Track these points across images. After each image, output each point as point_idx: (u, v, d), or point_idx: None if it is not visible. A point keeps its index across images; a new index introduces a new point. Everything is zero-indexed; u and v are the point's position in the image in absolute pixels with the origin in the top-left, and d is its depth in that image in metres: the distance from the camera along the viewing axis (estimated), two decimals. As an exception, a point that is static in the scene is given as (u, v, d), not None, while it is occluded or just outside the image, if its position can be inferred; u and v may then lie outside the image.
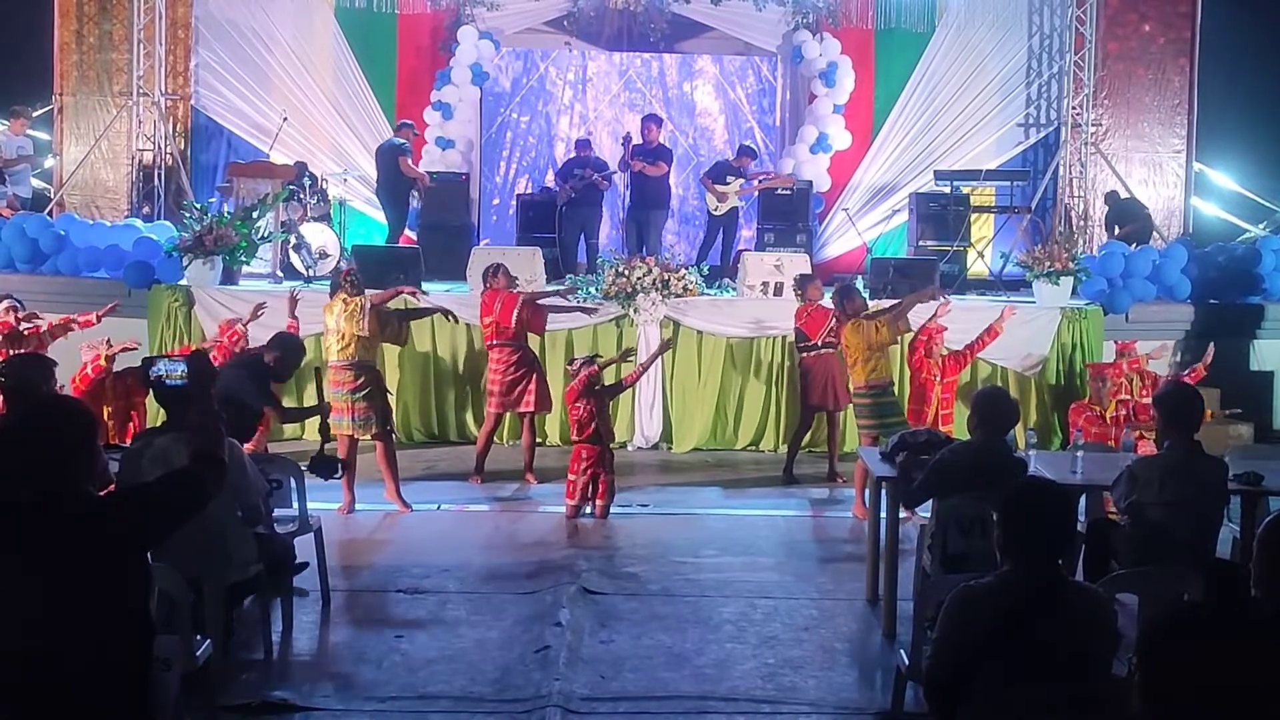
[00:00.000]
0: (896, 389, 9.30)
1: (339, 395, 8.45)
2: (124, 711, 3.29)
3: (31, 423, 3.39)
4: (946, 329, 9.76)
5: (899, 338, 9.09)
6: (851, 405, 9.08)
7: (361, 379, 8.41)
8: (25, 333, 9.18)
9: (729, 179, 13.01)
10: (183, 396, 5.41)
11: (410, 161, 12.80)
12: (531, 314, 9.37)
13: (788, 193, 13.30)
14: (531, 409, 9.42)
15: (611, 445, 8.73)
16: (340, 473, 7.53)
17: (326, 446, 7.49)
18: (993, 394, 6.24)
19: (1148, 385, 9.46)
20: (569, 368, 8.86)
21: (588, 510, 8.49)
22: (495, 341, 9.34)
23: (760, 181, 13.41)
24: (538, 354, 9.73)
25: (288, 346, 7.72)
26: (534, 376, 9.36)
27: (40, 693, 3.16)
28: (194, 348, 9.48)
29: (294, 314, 9.27)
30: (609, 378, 8.92)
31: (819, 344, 9.45)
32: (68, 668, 3.17)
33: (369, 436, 8.49)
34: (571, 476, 8.52)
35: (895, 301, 9.35)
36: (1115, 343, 10.19)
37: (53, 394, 6.12)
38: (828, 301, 9.48)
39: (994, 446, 5.85)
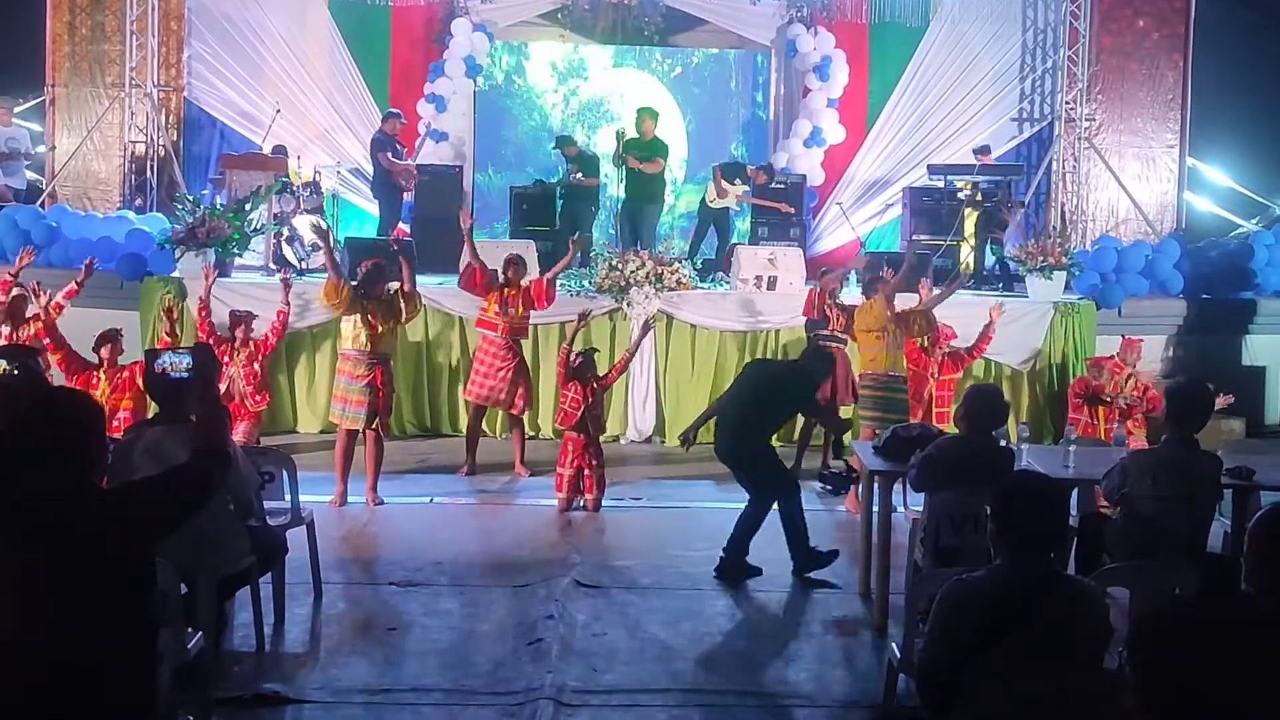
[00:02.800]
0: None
1: (346, 385, 8.43)
2: (130, 706, 3.28)
3: (42, 415, 3.37)
4: (955, 335, 9.77)
5: (902, 327, 8.99)
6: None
7: (369, 372, 8.38)
8: (30, 318, 9.16)
9: (736, 181, 12.98)
10: (180, 390, 5.40)
11: (389, 155, 12.77)
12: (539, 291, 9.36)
13: (782, 186, 13.24)
14: (520, 410, 9.42)
15: (600, 437, 8.73)
16: (848, 488, 7.60)
17: (836, 462, 7.61)
18: (985, 392, 6.25)
19: (1139, 389, 9.44)
20: (570, 358, 8.84)
21: (580, 503, 8.49)
22: (495, 333, 9.30)
23: (758, 195, 13.23)
24: (531, 349, 9.72)
25: (822, 355, 7.72)
26: (525, 375, 9.34)
27: (47, 686, 3.16)
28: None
29: (287, 300, 9.67)
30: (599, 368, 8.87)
31: (828, 335, 9.50)
32: (73, 662, 3.16)
33: (362, 429, 8.47)
34: (559, 469, 8.53)
35: (937, 293, 9.35)
36: (1122, 337, 9.96)
37: (61, 386, 6.12)
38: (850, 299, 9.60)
39: (981, 441, 5.87)
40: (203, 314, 9.53)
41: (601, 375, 8.72)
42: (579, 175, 12.76)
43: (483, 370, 9.28)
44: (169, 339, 9.28)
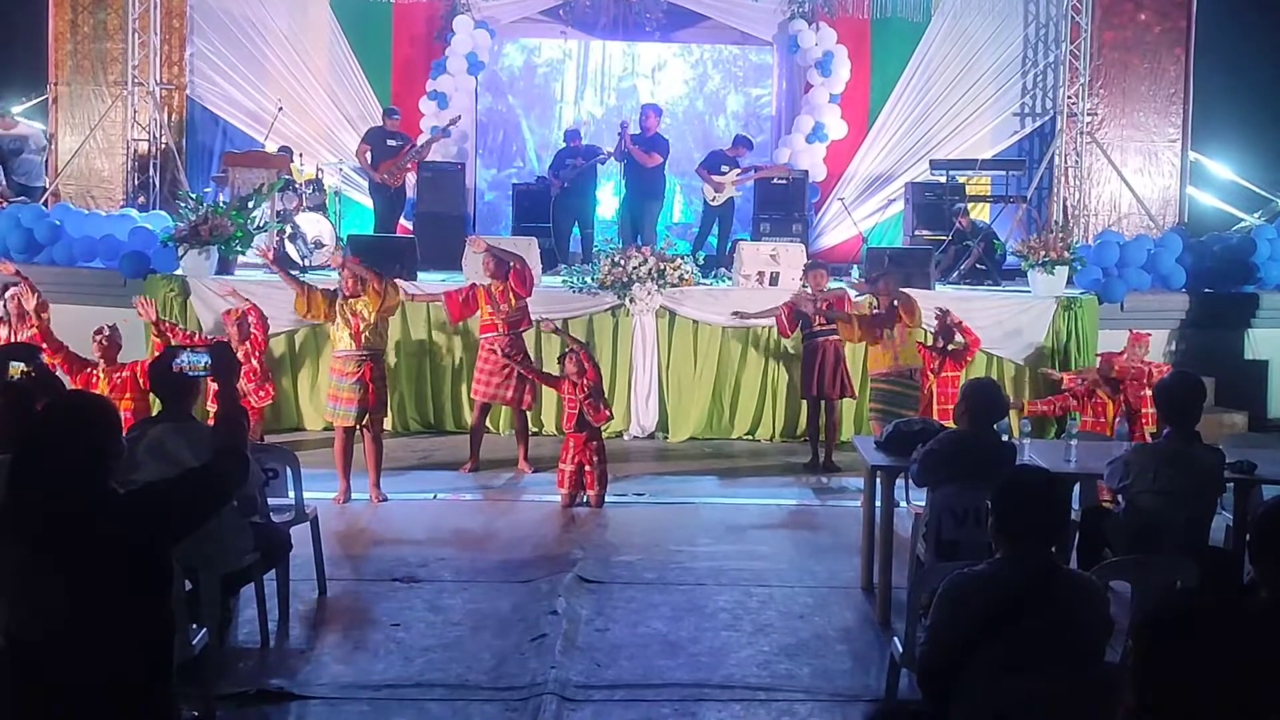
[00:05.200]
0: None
1: (337, 383, 8.45)
2: (147, 705, 3.30)
3: (60, 419, 3.39)
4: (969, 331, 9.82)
5: (887, 325, 9.11)
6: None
7: (358, 368, 8.40)
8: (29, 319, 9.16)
9: (724, 169, 13.00)
10: (187, 388, 5.42)
11: (367, 156, 12.77)
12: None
13: (784, 182, 13.29)
14: (529, 405, 9.45)
15: (603, 429, 8.76)
16: None
17: None
18: (982, 385, 6.26)
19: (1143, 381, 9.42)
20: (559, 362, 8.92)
21: (583, 499, 8.51)
22: (495, 333, 9.33)
23: (756, 171, 13.40)
24: (533, 346, 9.74)
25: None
26: (530, 369, 9.37)
27: (66, 684, 3.18)
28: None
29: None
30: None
31: (816, 330, 9.60)
32: (92, 660, 3.19)
33: (354, 426, 8.48)
34: (561, 466, 8.56)
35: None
36: (1130, 331, 9.91)
37: (77, 390, 6.11)
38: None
39: (982, 435, 5.87)
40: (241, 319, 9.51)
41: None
42: (584, 164, 12.77)
43: (487, 369, 9.29)
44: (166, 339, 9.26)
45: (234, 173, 11.96)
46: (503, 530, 8.05)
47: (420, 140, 13.45)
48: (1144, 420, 8.89)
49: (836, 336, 9.64)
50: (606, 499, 8.54)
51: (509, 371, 9.20)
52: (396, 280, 9.00)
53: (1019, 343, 10.96)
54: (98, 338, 8.74)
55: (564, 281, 11.06)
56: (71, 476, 3.27)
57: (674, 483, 9.41)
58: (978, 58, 14.61)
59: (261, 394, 9.59)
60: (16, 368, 4.93)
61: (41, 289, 9.56)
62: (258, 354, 9.58)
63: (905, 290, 9.37)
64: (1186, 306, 11.87)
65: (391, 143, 12.90)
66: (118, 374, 8.70)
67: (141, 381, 8.65)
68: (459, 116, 13.77)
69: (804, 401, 10.18)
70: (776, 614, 6.43)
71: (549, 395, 10.04)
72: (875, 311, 9.23)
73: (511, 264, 9.29)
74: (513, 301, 9.29)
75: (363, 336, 8.41)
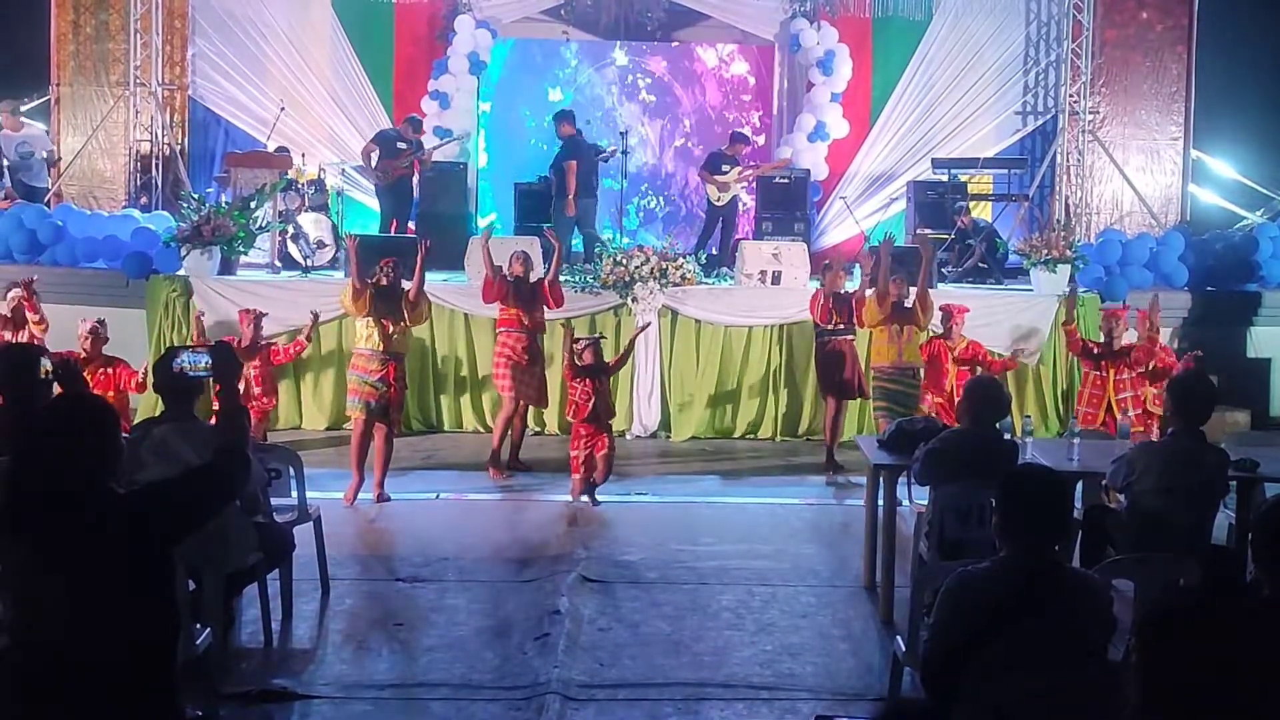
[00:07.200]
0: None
1: (359, 379, 8.45)
2: (151, 704, 3.30)
3: (63, 420, 3.39)
4: (968, 309, 9.79)
5: (905, 320, 9.11)
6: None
7: (382, 367, 8.40)
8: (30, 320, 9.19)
9: (725, 168, 13.00)
10: (189, 388, 5.43)
11: (371, 157, 12.74)
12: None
13: (786, 181, 13.28)
14: (544, 404, 9.48)
15: (611, 422, 8.75)
16: None
17: None
18: (985, 384, 6.26)
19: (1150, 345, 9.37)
20: (575, 346, 8.85)
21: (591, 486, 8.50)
22: (518, 329, 9.32)
23: (758, 167, 13.39)
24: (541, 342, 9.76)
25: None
26: (541, 368, 9.38)
27: (69, 684, 3.19)
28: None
29: (309, 336, 9.99)
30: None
31: (829, 329, 9.57)
32: (95, 660, 3.19)
33: (369, 419, 8.47)
34: (573, 452, 8.52)
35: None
36: (1138, 310, 9.85)
37: (77, 391, 6.11)
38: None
39: (984, 434, 5.88)
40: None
41: (594, 365, 8.68)
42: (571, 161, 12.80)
43: (522, 367, 9.19)
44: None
45: (236, 173, 11.97)
46: (505, 530, 8.06)
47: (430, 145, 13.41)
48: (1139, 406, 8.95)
49: (850, 337, 9.61)
50: (609, 499, 8.54)
51: (537, 369, 9.25)
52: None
53: (1021, 341, 10.94)
54: (83, 328, 8.70)
55: (566, 281, 11.04)
56: (71, 476, 3.27)
57: (676, 482, 9.42)
58: (979, 56, 14.60)
59: (265, 399, 9.61)
60: (45, 365, 4.95)
61: (44, 290, 9.59)
62: (271, 365, 9.62)
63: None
64: (1189, 305, 11.87)
65: (401, 145, 12.89)
66: (101, 370, 8.63)
67: (123, 384, 8.66)
68: (468, 132, 13.76)
69: (810, 400, 10.18)
70: (779, 613, 6.43)
71: (552, 394, 10.01)
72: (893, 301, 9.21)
73: (544, 279, 9.45)
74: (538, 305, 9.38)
75: (392, 339, 8.43)
